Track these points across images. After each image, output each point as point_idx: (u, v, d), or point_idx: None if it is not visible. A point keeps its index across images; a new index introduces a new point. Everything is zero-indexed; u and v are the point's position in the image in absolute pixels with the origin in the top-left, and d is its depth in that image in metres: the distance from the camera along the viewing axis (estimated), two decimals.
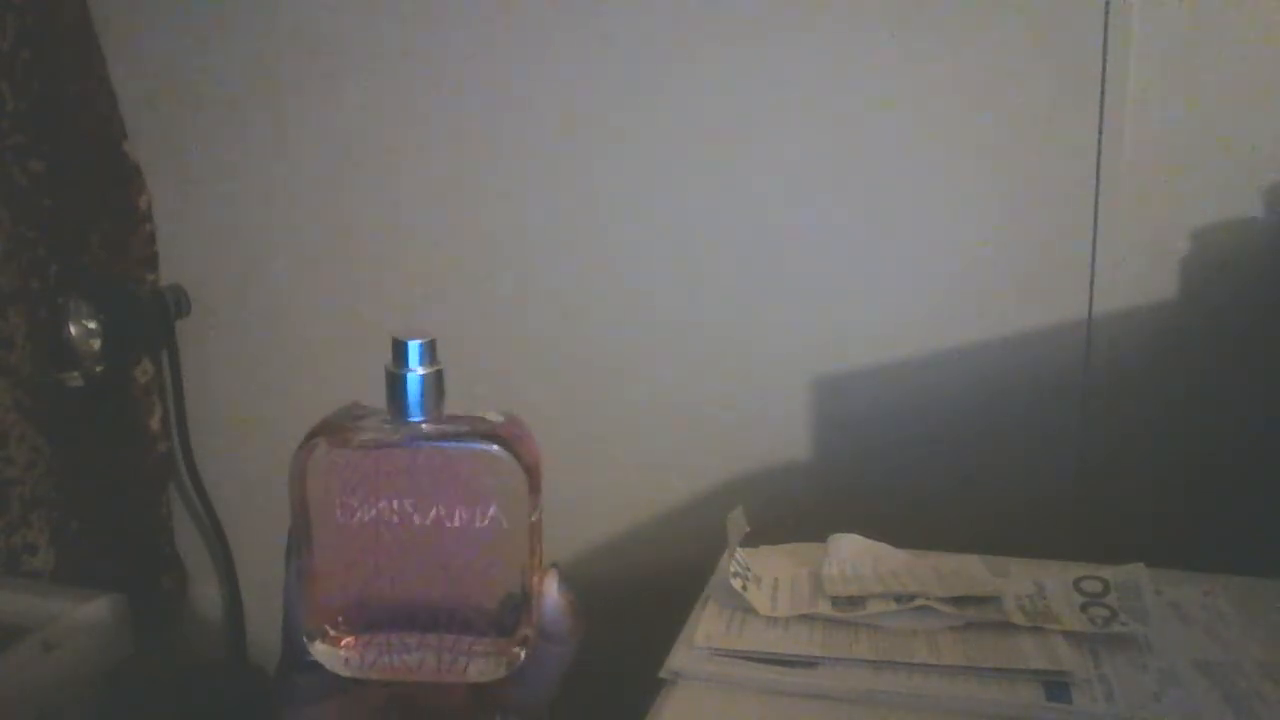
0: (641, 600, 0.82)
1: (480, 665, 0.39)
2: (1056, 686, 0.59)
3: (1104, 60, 0.84)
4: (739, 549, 0.71)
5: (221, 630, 1.20)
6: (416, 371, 0.39)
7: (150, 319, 1.09)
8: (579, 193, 0.99)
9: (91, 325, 1.06)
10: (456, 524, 0.38)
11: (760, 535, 0.75)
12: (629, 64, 0.95)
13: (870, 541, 0.76)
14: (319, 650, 0.39)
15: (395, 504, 0.38)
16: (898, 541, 0.76)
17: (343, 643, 0.40)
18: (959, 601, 0.67)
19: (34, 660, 0.90)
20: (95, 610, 0.96)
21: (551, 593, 0.40)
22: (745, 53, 0.91)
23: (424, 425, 0.39)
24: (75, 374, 1.06)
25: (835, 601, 0.69)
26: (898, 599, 0.68)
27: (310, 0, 1.01)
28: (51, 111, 1.06)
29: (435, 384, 0.39)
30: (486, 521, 0.38)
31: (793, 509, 0.94)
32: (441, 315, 1.04)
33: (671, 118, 0.95)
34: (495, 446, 0.38)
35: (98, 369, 1.07)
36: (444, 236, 1.03)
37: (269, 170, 1.07)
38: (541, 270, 1.01)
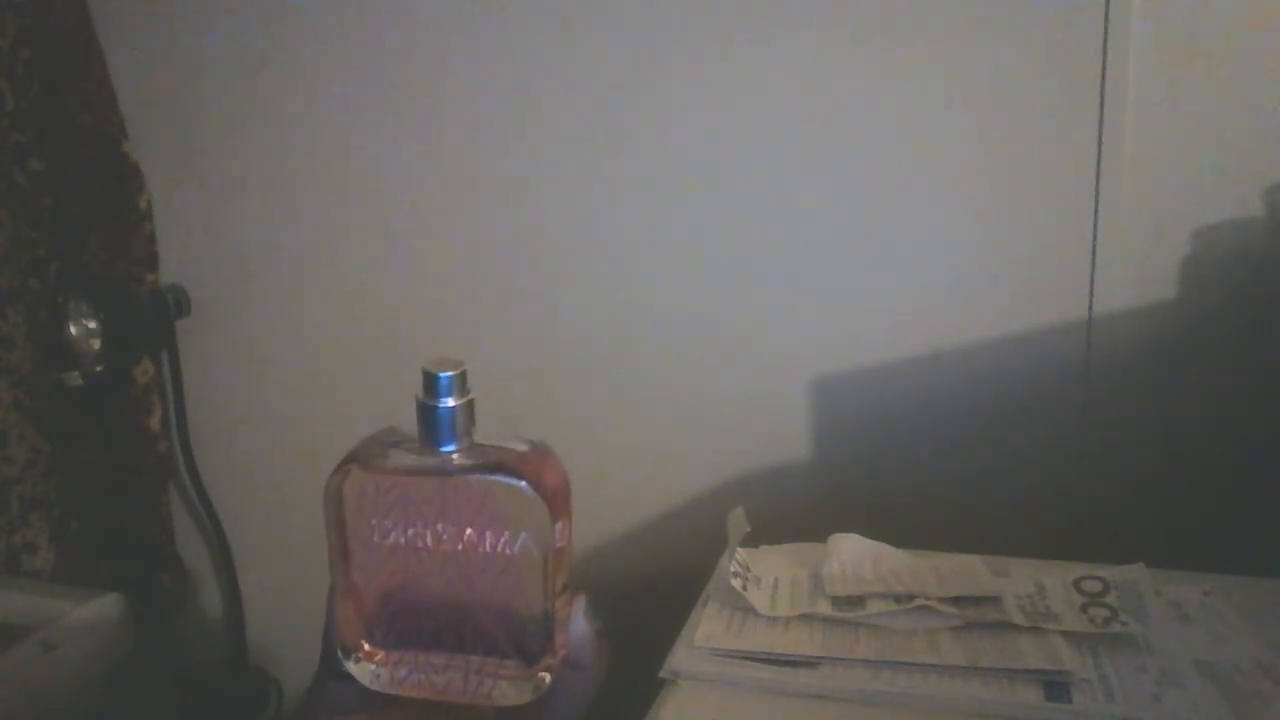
0: (641, 600, 0.82)
1: (506, 689, 0.40)
2: (1056, 686, 0.59)
3: (1104, 60, 0.84)
4: (739, 549, 0.71)
5: (221, 630, 1.20)
6: (447, 404, 0.39)
7: (150, 319, 1.09)
8: (579, 192, 0.99)
9: (91, 325, 1.06)
10: (486, 549, 0.39)
11: (760, 535, 0.75)
12: (632, 64, 0.95)
13: (870, 541, 0.76)
14: (353, 665, 0.40)
15: (426, 528, 0.39)
16: (898, 541, 0.76)
17: (376, 658, 0.40)
18: (959, 601, 0.67)
19: (34, 660, 0.90)
20: (95, 610, 0.96)
21: (579, 620, 0.40)
22: (746, 54, 0.91)
23: (454, 456, 0.39)
24: (75, 374, 1.06)
25: (835, 601, 0.68)
26: (898, 599, 0.68)
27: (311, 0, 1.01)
28: (51, 111, 1.06)
29: (465, 414, 0.40)
30: (515, 549, 0.39)
31: (793, 509, 0.94)
32: (440, 314, 1.04)
33: (674, 118, 0.95)
34: (522, 482, 0.38)
35: (98, 369, 1.07)
36: (444, 235, 1.03)
37: (269, 170, 1.07)
38: (542, 270, 1.01)
